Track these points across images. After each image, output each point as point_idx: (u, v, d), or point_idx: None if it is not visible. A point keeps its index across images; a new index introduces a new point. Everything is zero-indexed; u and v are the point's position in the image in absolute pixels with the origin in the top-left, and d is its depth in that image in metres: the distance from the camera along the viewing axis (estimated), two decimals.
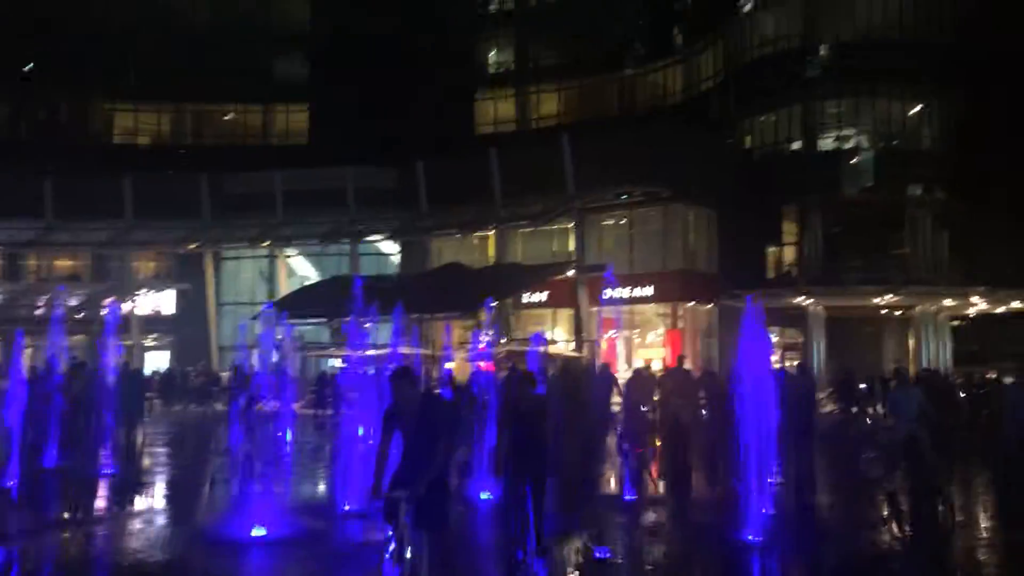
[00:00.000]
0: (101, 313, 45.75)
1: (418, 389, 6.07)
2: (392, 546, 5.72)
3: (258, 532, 8.85)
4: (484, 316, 34.97)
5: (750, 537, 8.63)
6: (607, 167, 35.85)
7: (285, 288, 44.18)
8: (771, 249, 39.25)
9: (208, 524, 10.05)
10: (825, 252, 36.81)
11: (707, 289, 35.74)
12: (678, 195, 35.84)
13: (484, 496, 11.24)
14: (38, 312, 47.36)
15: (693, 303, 36.45)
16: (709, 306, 36.87)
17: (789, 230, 38.82)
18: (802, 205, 36.98)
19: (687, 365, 18.80)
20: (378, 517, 5.93)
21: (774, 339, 38.50)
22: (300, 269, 47.85)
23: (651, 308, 37.20)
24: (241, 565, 7.96)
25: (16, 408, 13.82)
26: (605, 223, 38.25)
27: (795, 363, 26.65)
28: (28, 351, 53.15)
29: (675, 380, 14.98)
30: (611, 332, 37.08)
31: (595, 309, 36.87)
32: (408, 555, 5.70)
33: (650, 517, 10.79)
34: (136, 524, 10.24)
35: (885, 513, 10.16)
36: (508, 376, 19.83)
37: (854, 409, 24.87)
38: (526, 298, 38.42)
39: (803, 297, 35.72)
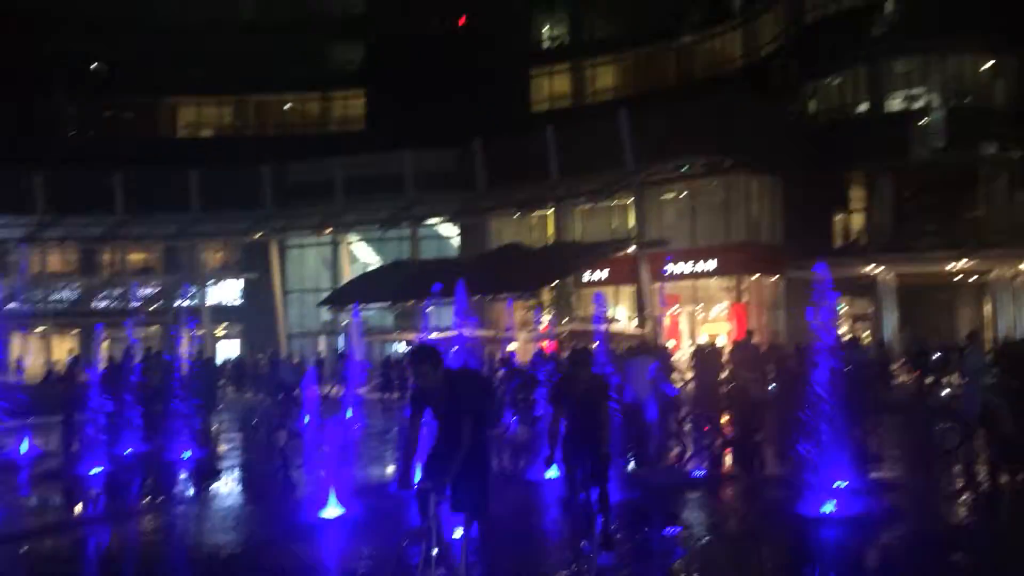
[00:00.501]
0: (173, 304, 47.30)
1: (442, 369, 5.57)
2: (424, 544, 5.25)
3: (330, 513, 9.08)
4: (545, 296, 35.10)
5: (823, 512, 8.55)
6: (666, 139, 35.37)
7: (348, 274, 44.86)
8: (838, 217, 38.32)
9: (282, 505, 10.36)
10: (895, 217, 35.81)
11: (772, 261, 35.11)
12: (740, 165, 35.22)
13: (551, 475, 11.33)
14: (113, 305, 49.09)
15: (757, 276, 35.87)
16: (774, 278, 36.25)
17: (856, 196, 37.83)
18: (870, 170, 35.98)
19: (754, 339, 18.61)
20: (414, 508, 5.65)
21: (843, 310, 37.67)
22: (362, 255, 48.51)
23: (714, 282, 36.72)
24: (314, 545, 8.19)
25: (97, 398, 14.44)
26: (665, 197, 37.82)
27: (849, 337, 26.11)
28: (106, 343, 55.06)
29: (743, 354, 14.82)
30: (674, 308, 36.75)
31: (657, 285, 36.56)
32: (438, 551, 5.23)
33: (720, 493, 10.74)
34: (214, 506, 10.61)
35: (961, 484, 9.94)
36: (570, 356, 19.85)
37: (928, 379, 24.25)
38: (587, 276, 38.28)
39: (872, 265, 34.84)
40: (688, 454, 12.92)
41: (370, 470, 12.93)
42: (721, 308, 37.12)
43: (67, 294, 50.08)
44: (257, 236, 47.01)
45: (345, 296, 38.17)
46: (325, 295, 43.51)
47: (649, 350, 16.21)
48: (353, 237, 47.47)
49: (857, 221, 37.94)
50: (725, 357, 17.32)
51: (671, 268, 35.79)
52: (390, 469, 13.15)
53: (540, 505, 8.70)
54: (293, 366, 27.19)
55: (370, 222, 44.50)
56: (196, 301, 48.27)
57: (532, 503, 8.85)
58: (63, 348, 47.51)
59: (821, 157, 35.26)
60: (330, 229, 45.66)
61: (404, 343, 37.18)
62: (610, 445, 6.61)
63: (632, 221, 37.67)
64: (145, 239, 48.51)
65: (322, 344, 42.64)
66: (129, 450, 15.02)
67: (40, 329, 47.87)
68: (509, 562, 6.39)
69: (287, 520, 9.22)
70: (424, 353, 5.63)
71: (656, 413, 12.04)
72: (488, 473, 5.69)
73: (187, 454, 14.71)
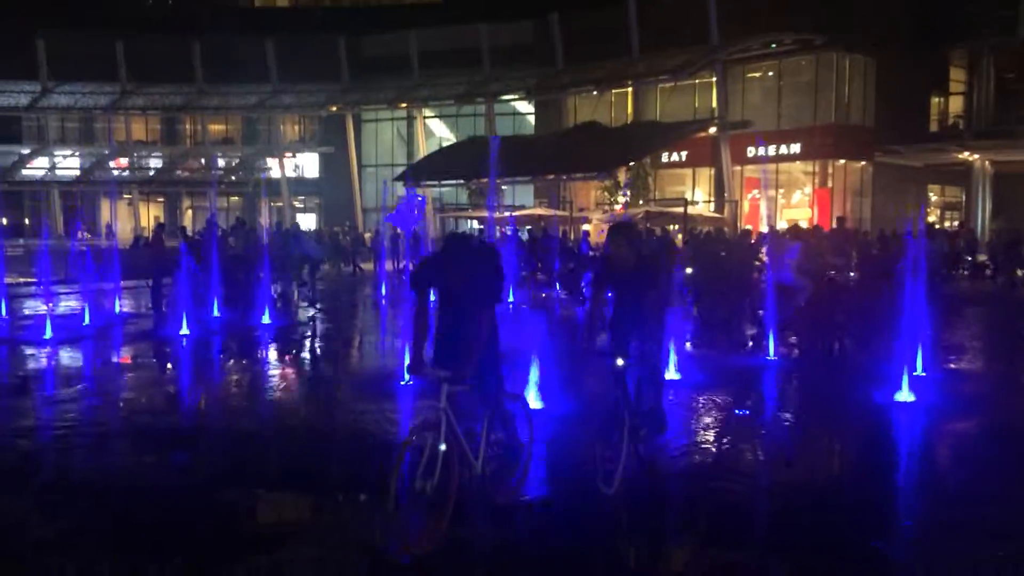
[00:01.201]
0: (253, 175, 48.27)
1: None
2: (430, 438, 4.57)
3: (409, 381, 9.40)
4: (622, 176, 34.63)
5: (899, 398, 8.50)
6: (754, 14, 33.82)
7: (423, 150, 44.88)
8: (935, 99, 36.49)
9: (363, 371, 10.78)
10: (996, 101, 33.86)
11: (861, 145, 33.86)
12: (832, 42, 33.53)
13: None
14: (196, 174, 50.34)
15: (845, 160, 34.72)
16: (862, 163, 35.04)
17: (956, 77, 35.85)
18: (972, 49, 33.87)
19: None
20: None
21: (933, 198, 36.35)
22: (437, 130, 48.33)
23: (798, 166, 35.74)
24: (392, 407, 8.53)
25: (184, 265, 15.00)
26: (750, 76, 36.46)
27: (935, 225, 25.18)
28: (189, 212, 56.84)
29: (832, 240, 14.42)
30: (754, 192, 36.03)
31: (737, 168, 35.77)
32: (444, 447, 4.57)
33: (795, 378, 10.74)
34: (297, 370, 11.11)
35: None
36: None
37: (1020, 272, 23.41)
38: (665, 157, 37.59)
39: (968, 152, 33.28)
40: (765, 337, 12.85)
41: None
42: (804, 193, 36.23)
43: (152, 162, 51.52)
44: (334, 109, 47.16)
45: (420, 172, 38.28)
46: (400, 170, 43.76)
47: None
48: (428, 112, 47.20)
49: (955, 104, 36.10)
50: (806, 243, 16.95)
51: (753, 151, 34.85)
52: None
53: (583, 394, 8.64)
54: (317, 238, 27.42)
55: (445, 97, 44.10)
56: (275, 173, 49.15)
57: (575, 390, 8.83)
58: (149, 215, 49.30)
59: (920, 34, 33.28)
60: (405, 104, 45.47)
61: (478, 221, 37.39)
62: (663, 331, 5.91)
63: (714, 101, 36.54)
64: (225, 110, 49.16)
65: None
66: (216, 314, 15.67)
67: (127, 196, 49.59)
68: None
69: (366, 386, 9.60)
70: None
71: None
72: (500, 368, 5.36)
73: (267, 321, 15.27)
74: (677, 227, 33.24)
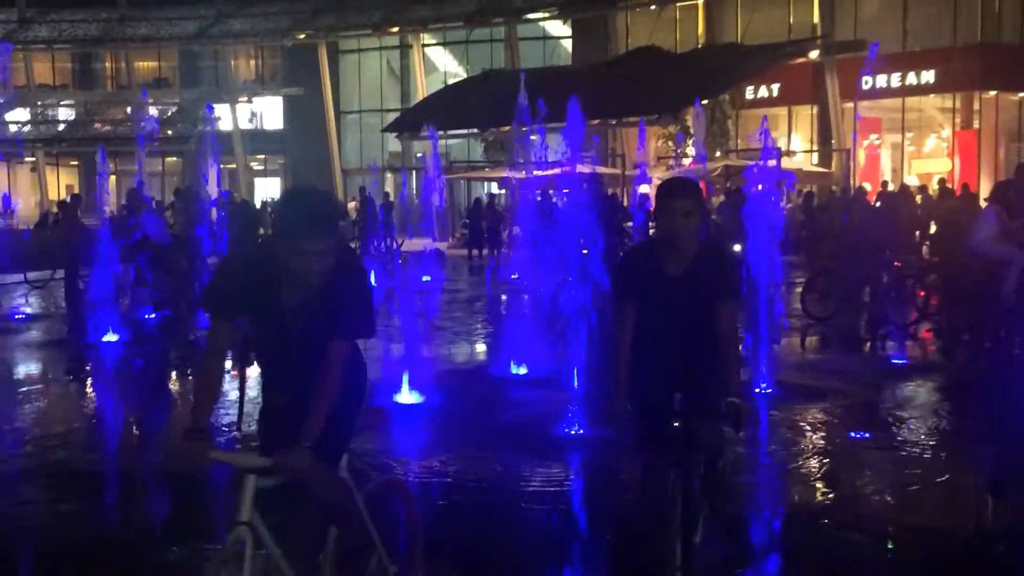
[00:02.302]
0: (196, 128, 48.45)
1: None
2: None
3: (409, 399, 9.42)
4: (691, 119, 34.42)
5: None
6: None
7: (423, 90, 44.84)
8: None
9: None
10: None
11: (1018, 71, 33.39)
12: None
13: None
14: (120, 128, 50.62)
15: (995, 92, 34.29)
16: (1018, 96, 34.60)
17: None
18: None
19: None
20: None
21: None
22: (441, 63, 48.27)
23: (933, 101, 35.35)
24: (389, 436, 8.51)
25: (105, 252, 15.03)
26: None
27: None
28: (112, 178, 57.36)
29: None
30: (872, 138, 35.68)
31: (849, 105, 35.39)
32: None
33: (926, 387, 10.62)
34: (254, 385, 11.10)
35: None
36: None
37: None
38: (750, 92, 37.30)
39: None
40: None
41: (456, 347, 13.22)
42: (940, 138, 35.84)
43: (61, 113, 51.88)
44: (301, 37, 47.24)
45: (419, 119, 38.25)
46: (392, 117, 43.73)
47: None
48: (429, 39, 47.16)
49: None
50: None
51: (870, 81, 34.48)
52: (480, 348, 13.42)
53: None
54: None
55: (452, 19, 44.02)
56: (225, 124, 49.33)
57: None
58: (60, 184, 49.70)
59: None
60: (397, 28, 45.43)
61: (497, 183, 37.32)
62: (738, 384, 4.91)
63: (816, 14, 36.19)
64: (156, 42, 49.40)
65: (389, 183, 43.23)
66: (151, 315, 15.74)
67: (30, 160, 50.01)
68: None
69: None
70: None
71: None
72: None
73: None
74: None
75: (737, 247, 14.91)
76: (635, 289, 4.82)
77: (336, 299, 3.93)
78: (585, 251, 11.78)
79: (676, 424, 4.73)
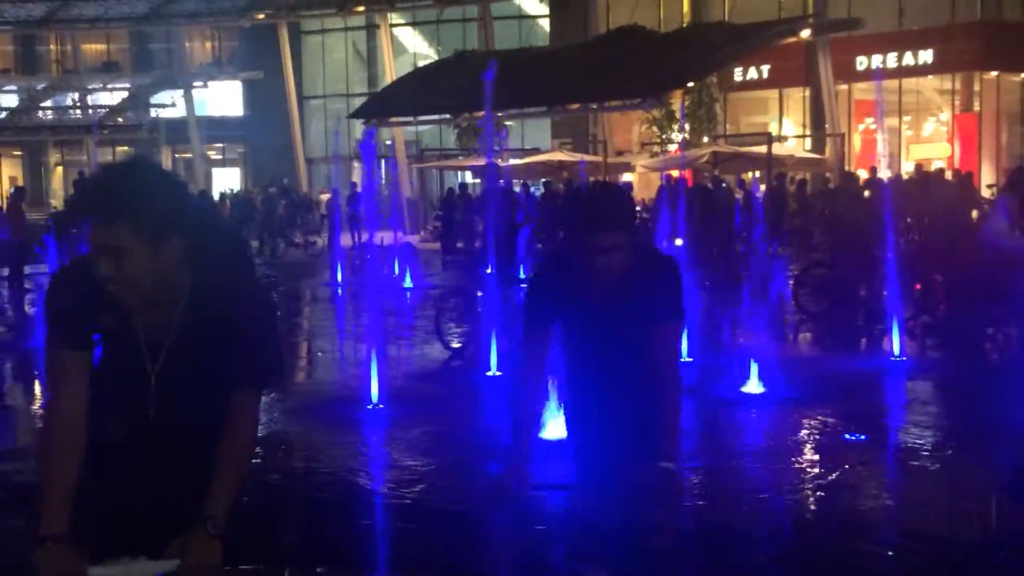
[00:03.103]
0: (148, 115, 48.24)
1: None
2: None
3: (369, 405, 9.44)
4: (677, 104, 34.45)
5: None
6: None
7: (391, 73, 44.73)
8: None
9: (311, 394, 10.76)
10: None
11: (1019, 50, 33.56)
12: None
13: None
14: (67, 115, 50.26)
15: (997, 72, 34.47)
16: (1023, 76, 34.79)
17: None
18: None
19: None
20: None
21: None
22: (411, 44, 48.17)
23: (931, 83, 35.48)
24: (350, 442, 8.54)
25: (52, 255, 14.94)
26: None
27: None
28: (59, 170, 56.92)
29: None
30: (867, 122, 35.82)
31: (843, 87, 35.53)
32: None
33: (926, 385, 10.69)
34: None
35: None
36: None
37: None
38: (739, 74, 37.36)
39: None
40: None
41: (425, 349, 13.20)
42: (939, 121, 35.99)
43: (3, 100, 51.46)
44: (260, 17, 47.02)
45: (387, 104, 38.14)
46: (359, 103, 43.60)
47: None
48: (397, 19, 47.04)
49: None
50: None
51: (865, 61, 34.62)
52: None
53: None
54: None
55: None
56: (179, 111, 49.10)
57: None
58: (2, 176, 49.29)
59: None
60: (363, 7, 45.29)
61: (471, 172, 37.28)
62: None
63: None
64: (105, 23, 49.04)
65: (356, 172, 43.12)
66: None
67: None
68: None
69: (314, 412, 9.60)
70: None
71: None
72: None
73: None
74: (757, 175, 33.01)
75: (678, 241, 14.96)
76: (549, 315, 3.93)
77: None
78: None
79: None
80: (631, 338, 3.89)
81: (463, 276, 13.08)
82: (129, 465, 3.05)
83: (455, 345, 12.48)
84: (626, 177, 35.05)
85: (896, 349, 11.55)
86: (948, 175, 26.92)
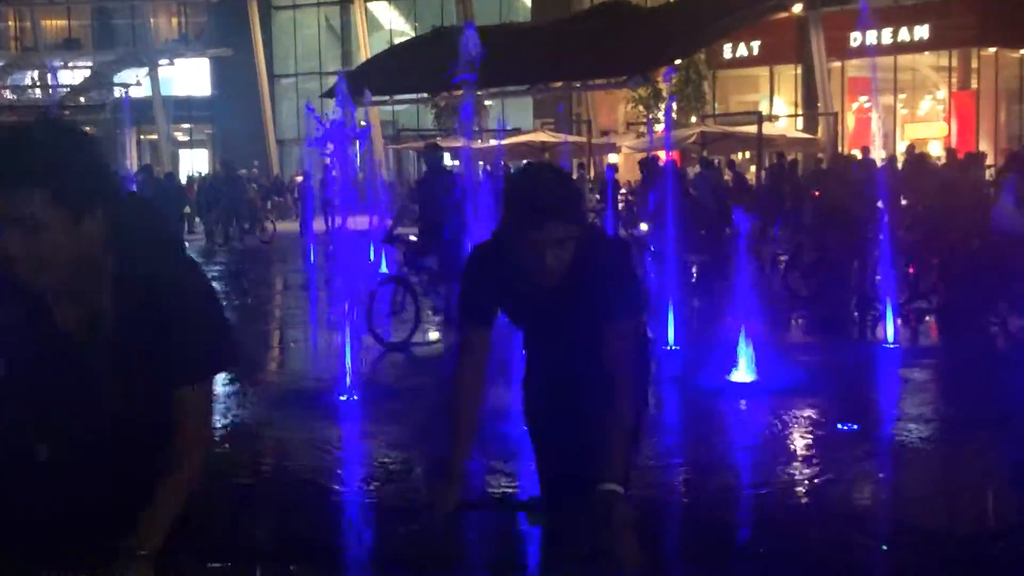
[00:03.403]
0: (111, 95, 47.89)
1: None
2: None
3: (348, 395, 9.44)
4: (663, 81, 34.44)
5: None
6: None
7: (366, 50, 44.58)
8: None
9: (289, 385, 10.79)
10: None
11: (1019, 25, 33.61)
12: None
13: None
14: (25, 95, 49.92)
15: (996, 48, 34.55)
16: (1022, 52, 34.88)
17: None
18: None
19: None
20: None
21: None
22: (386, 20, 48.00)
23: (927, 59, 35.55)
24: (329, 433, 8.56)
25: None
26: None
27: None
28: None
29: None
30: (862, 100, 35.88)
31: (836, 64, 35.56)
32: None
33: (922, 375, 10.71)
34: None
35: None
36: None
37: None
38: (728, 51, 37.36)
39: None
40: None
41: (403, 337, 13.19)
42: (936, 99, 36.07)
43: None
44: None
45: (362, 82, 38.00)
46: (332, 81, 43.42)
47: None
48: None
49: None
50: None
51: (859, 37, 34.60)
52: (434, 336, 13.37)
53: None
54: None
55: None
56: (144, 90, 48.81)
57: None
58: None
59: None
60: None
61: (450, 155, 37.18)
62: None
63: None
64: None
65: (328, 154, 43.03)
66: None
67: None
68: None
69: (293, 402, 9.60)
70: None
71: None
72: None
73: None
74: (748, 155, 33.00)
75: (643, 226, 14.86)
76: (487, 308, 3.65)
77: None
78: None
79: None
80: (577, 334, 3.57)
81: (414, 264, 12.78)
82: (55, 485, 2.64)
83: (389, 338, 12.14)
84: (612, 158, 35.04)
85: (890, 335, 11.58)
86: (942, 155, 26.98)
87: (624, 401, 3.41)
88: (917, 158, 22.50)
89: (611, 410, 3.37)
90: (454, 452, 3.50)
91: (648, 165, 19.40)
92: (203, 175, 42.40)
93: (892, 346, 11.51)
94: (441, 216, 12.25)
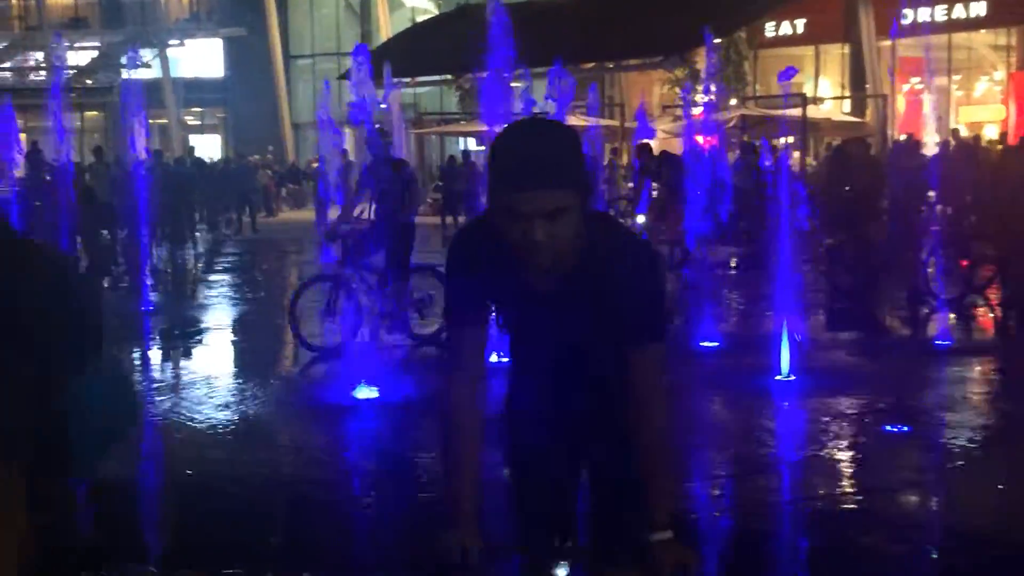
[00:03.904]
0: (120, 76, 48.09)
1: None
2: None
3: (365, 394, 9.45)
4: (701, 62, 34.34)
5: None
6: None
7: (387, 30, 44.66)
8: None
9: (298, 383, 10.88)
10: None
11: None
12: None
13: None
14: (30, 77, 50.28)
15: None
16: None
17: None
18: None
19: None
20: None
21: None
22: None
23: (984, 38, 35.34)
24: (341, 434, 8.67)
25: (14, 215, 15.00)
26: None
27: None
28: (22, 136, 56.85)
29: None
30: (913, 81, 35.69)
31: (886, 43, 35.38)
32: None
33: (978, 373, 10.67)
34: (198, 385, 11.08)
35: None
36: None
37: None
38: (770, 29, 37.24)
39: None
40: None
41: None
42: (993, 81, 35.86)
43: None
44: None
45: (382, 64, 38.09)
46: (350, 62, 43.54)
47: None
48: None
49: None
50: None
51: (911, 15, 34.45)
52: None
53: None
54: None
55: None
56: (154, 72, 49.04)
57: None
58: None
59: None
60: None
61: (475, 139, 37.22)
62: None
63: None
64: None
65: (348, 139, 43.12)
66: None
67: None
68: None
69: (303, 401, 9.65)
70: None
71: None
72: None
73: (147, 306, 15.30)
74: (791, 140, 32.87)
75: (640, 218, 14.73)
76: (478, 301, 3.22)
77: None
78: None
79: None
80: (589, 347, 3.24)
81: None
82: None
83: (316, 343, 11.70)
84: (645, 142, 35.00)
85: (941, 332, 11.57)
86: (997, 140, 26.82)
87: (667, 438, 3.16)
88: (962, 143, 22.40)
89: (648, 446, 3.13)
90: (455, 490, 3.12)
91: (641, 152, 19.31)
92: (214, 161, 42.56)
93: (945, 343, 11.48)
94: (390, 207, 12.04)
